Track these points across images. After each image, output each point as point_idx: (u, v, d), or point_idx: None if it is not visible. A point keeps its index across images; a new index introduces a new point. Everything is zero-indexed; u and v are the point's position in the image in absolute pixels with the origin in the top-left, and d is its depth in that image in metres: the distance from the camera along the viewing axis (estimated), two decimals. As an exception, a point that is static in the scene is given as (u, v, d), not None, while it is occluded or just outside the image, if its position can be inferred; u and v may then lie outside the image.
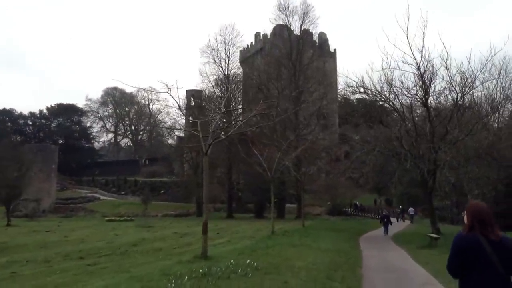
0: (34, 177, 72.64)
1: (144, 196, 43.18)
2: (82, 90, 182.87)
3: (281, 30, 57.71)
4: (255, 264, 9.53)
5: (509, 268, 3.71)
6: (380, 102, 25.75)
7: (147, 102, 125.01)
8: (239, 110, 59.24)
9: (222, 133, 12.15)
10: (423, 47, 22.70)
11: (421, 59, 23.00)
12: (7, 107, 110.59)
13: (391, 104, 25.26)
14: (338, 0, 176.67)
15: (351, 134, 30.48)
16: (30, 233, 23.79)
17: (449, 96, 24.24)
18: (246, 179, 52.64)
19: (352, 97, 26.66)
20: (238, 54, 62.95)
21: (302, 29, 49.70)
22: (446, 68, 22.72)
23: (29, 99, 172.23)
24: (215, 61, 53.48)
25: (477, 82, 23.61)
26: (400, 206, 58.23)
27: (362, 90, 25.33)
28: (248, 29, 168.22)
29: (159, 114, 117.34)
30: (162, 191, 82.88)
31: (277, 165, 21.51)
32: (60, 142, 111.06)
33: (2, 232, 25.55)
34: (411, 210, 53.39)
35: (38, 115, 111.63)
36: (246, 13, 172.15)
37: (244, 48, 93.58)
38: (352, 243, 20.36)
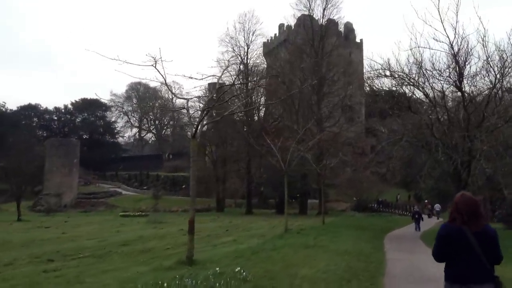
0: (56, 171, 72.74)
1: (155, 190, 41.36)
2: (106, 85, 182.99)
3: (306, 21, 55.34)
4: (244, 273, 7.52)
5: (490, 256, 4.01)
6: (408, 87, 23.13)
7: (170, 97, 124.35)
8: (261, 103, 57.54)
9: (214, 112, 10.11)
10: (457, 22, 20.07)
11: (455, 36, 20.41)
12: (33, 103, 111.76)
13: (421, 88, 22.67)
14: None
15: (377, 126, 27.85)
16: (30, 229, 22.46)
17: (486, 79, 21.43)
18: (267, 173, 50.67)
19: (378, 86, 23.80)
20: (258, 42, 60.78)
21: (324, 14, 47.16)
22: (483, 45, 20.02)
23: (54, 94, 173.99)
24: (234, 50, 51.49)
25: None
26: (426, 201, 55.21)
27: (388, 73, 22.85)
28: (273, 20, 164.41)
29: (183, 108, 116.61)
30: (183, 186, 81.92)
31: (291, 156, 19.35)
32: (84, 137, 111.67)
33: (3, 227, 24.33)
34: (437, 206, 50.44)
35: (63, 110, 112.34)
36: (271, 4, 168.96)
37: (268, 40, 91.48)
38: (375, 243, 18.05)
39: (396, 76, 22.71)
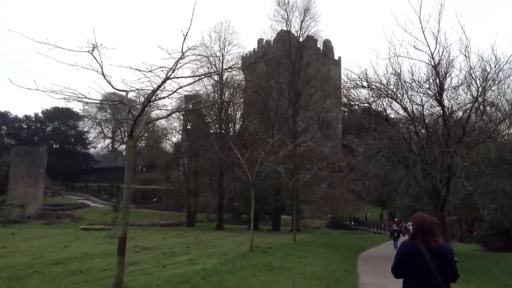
0: (20, 181, 69.43)
1: (115, 203, 39.08)
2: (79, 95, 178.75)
3: (285, 36, 54.49)
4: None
5: (444, 273, 4.18)
6: (386, 99, 21.91)
7: (146, 109, 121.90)
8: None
9: (161, 107, 8.49)
10: (438, 30, 19.00)
11: (436, 45, 19.32)
12: (2, 110, 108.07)
13: (399, 101, 21.49)
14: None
15: (354, 142, 26.56)
16: (-31, 242, 20.15)
17: (468, 92, 20.35)
18: (240, 188, 48.96)
19: (354, 96, 22.43)
20: (234, 53, 59.46)
21: (302, 26, 46.22)
22: (466, 56, 18.96)
23: (28, 102, 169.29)
24: (209, 60, 49.94)
25: (501, 75, 19.66)
26: (396, 219, 54.31)
27: (365, 84, 21.64)
28: (252, 35, 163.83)
29: (157, 120, 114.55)
30: (155, 199, 79.44)
31: (260, 168, 17.76)
32: (54, 146, 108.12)
33: None
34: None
35: (33, 119, 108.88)
36: (251, 20, 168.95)
37: (246, 54, 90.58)
38: (348, 264, 16.51)
39: (374, 87, 21.50)
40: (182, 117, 58.52)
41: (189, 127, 58.50)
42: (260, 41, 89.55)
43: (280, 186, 39.81)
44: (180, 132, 59.25)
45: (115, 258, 13.76)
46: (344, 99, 23.07)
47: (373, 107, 21.78)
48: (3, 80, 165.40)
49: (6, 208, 66.06)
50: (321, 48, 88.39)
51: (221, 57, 49.79)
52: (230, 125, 56.53)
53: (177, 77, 8.35)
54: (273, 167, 25.69)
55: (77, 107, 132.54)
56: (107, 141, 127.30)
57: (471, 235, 34.39)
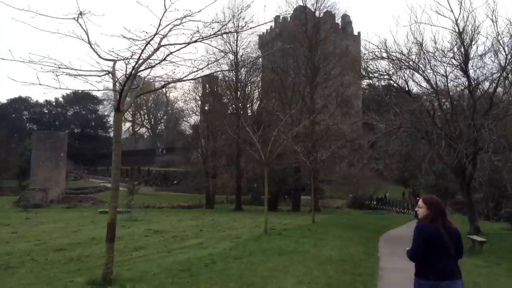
0: (42, 165, 70.07)
1: (130, 184, 38.71)
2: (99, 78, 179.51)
3: (301, 12, 52.78)
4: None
5: (458, 251, 4.40)
6: (408, 71, 20.57)
7: (164, 90, 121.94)
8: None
9: (152, 79, 7.64)
10: (463, -7, 17.51)
11: (460, 10, 17.89)
12: (23, 95, 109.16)
13: (421, 72, 20.16)
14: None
15: (374, 120, 25.29)
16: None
17: (495, 61, 18.90)
18: (260, 169, 48.17)
19: (373, 67, 21.08)
20: (249, 30, 57.91)
21: (318, -1, 44.35)
22: (493, 20, 17.49)
23: (46, 87, 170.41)
24: (223, 37, 48.77)
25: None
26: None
27: (385, 54, 20.35)
28: (268, 12, 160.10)
29: (176, 102, 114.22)
30: (175, 182, 79.59)
31: (273, 146, 16.82)
32: (76, 131, 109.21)
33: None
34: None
35: (54, 104, 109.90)
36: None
37: (263, 32, 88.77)
38: (368, 246, 15.63)
39: (394, 58, 20.19)
40: (199, 98, 57.82)
41: (207, 108, 57.79)
42: (276, 18, 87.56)
43: (298, 166, 38.83)
44: (198, 113, 58.52)
45: (121, 243, 13.20)
46: (363, 72, 21.78)
47: (393, 79, 20.54)
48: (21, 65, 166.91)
49: (29, 193, 66.92)
50: (339, 23, 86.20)
51: (235, 35, 48.58)
52: (248, 105, 55.57)
53: (171, 44, 7.46)
54: (290, 145, 24.76)
55: (95, 91, 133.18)
56: (128, 124, 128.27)
57: (498, 213, 32.97)
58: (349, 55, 55.60)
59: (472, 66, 19.37)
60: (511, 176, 29.08)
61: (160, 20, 6.77)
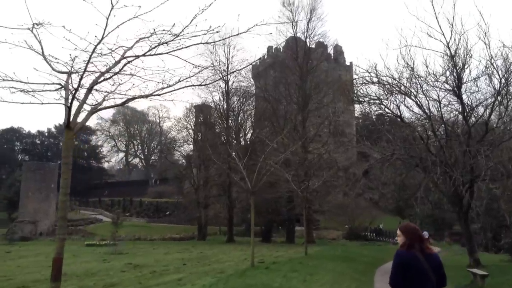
0: (31, 197, 68.62)
1: (114, 216, 37.50)
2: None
3: (294, 42, 53.01)
4: None
5: (440, 278, 4.41)
6: (399, 96, 19.98)
7: (157, 120, 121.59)
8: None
9: (109, 94, 6.85)
10: (453, 16, 17.12)
11: (452, 32, 17.43)
12: (16, 126, 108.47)
13: (413, 97, 19.57)
14: None
15: (366, 146, 24.59)
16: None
17: (489, 85, 18.34)
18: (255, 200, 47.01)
19: (363, 92, 20.46)
20: (240, 58, 57.87)
21: (309, 27, 44.44)
22: (485, 43, 17.02)
23: (39, 117, 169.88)
24: (214, 65, 48.61)
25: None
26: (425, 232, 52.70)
27: (375, 79, 19.78)
28: (259, 41, 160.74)
29: (169, 132, 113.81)
30: (167, 213, 78.05)
31: (260, 174, 15.94)
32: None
33: None
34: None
35: (46, 134, 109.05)
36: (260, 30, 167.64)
37: (256, 62, 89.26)
38: (362, 281, 14.62)
39: (385, 82, 19.63)
40: (191, 127, 57.28)
41: (199, 137, 57.18)
42: (270, 48, 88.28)
43: (291, 195, 37.89)
44: (189, 142, 57.80)
45: (90, 280, 12.17)
46: (353, 96, 21.18)
47: (384, 104, 19.92)
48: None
49: (18, 225, 65.32)
50: (332, 53, 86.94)
51: (226, 63, 48.41)
52: (240, 135, 55.06)
53: (137, 56, 6.73)
54: (279, 173, 23.93)
55: (91, 122, 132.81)
56: (121, 154, 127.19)
57: (498, 244, 31.95)
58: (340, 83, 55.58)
59: (466, 90, 18.84)
60: (509, 205, 28.28)
61: (107, 20, 6.03)
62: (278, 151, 34.34)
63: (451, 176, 17.79)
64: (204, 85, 7.49)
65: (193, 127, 56.68)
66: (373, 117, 27.16)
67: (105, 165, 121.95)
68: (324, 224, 59.69)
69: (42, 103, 6.51)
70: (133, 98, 7.14)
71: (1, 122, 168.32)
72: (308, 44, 45.08)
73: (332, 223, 58.14)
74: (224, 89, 49.45)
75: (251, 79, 64.90)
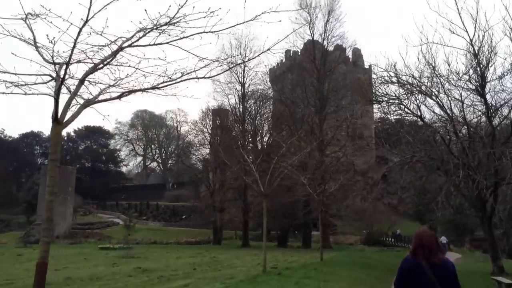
0: (49, 200, 69.06)
1: (127, 219, 37.08)
2: (110, 113, 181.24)
3: (311, 45, 52.40)
4: None
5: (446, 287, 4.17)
6: (419, 96, 19.14)
7: (175, 125, 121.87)
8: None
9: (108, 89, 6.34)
10: (477, 11, 16.26)
11: (475, 29, 16.57)
12: (35, 130, 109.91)
13: (434, 97, 18.72)
14: None
15: (385, 148, 23.78)
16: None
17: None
18: (269, 203, 46.34)
19: (382, 91, 19.65)
20: (256, 60, 57.23)
21: (326, 28, 43.67)
22: (511, 39, 16.09)
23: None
24: (230, 69, 48.25)
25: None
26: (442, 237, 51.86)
27: (394, 79, 19.00)
28: (279, 47, 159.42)
29: (187, 136, 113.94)
30: (184, 216, 77.90)
31: (273, 176, 15.30)
32: (87, 165, 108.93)
33: None
34: (443, 238, 47.57)
35: (65, 138, 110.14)
36: (274, 27, 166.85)
37: (273, 66, 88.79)
38: (379, 288, 13.85)
39: (404, 82, 18.81)
40: (207, 131, 57.00)
41: (217, 140, 56.87)
42: (287, 51, 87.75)
43: (308, 199, 37.11)
44: (205, 146, 57.50)
45: (94, 285, 11.70)
46: (371, 95, 20.40)
47: (404, 104, 19.10)
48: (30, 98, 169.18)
49: (35, 228, 65.91)
50: (350, 57, 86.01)
51: (242, 66, 48.02)
52: (257, 139, 54.55)
53: (130, 43, 6.21)
54: (294, 176, 23.27)
55: (110, 126, 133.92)
56: (139, 158, 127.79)
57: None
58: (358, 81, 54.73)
59: (490, 90, 17.91)
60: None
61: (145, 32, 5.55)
62: (294, 154, 33.73)
63: (474, 179, 16.88)
64: (208, 78, 6.91)
65: (209, 131, 56.37)
66: (392, 119, 26.21)
67: (123, 169, 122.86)
68: (341, 229, 58.67)
69: (25, 93, 6.02)
70: (131, 92, 6.62)
71: (21, 126, 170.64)
72: (326, 46, 44.32)
73: (349, 228, 57.08)
74: (240, 92, 48.98)
75: (268, 82, 64.44)
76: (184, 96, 7.49)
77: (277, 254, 28.88)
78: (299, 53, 65.80)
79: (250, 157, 16.33)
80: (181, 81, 7.03)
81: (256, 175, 14.95)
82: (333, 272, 16.08)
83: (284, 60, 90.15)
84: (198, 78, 6.97)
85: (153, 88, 6.59)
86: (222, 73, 6.82)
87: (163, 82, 6.98)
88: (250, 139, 53.68)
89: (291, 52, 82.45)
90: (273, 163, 15.80)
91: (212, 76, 7.14)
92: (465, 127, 18.69)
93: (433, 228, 57.73)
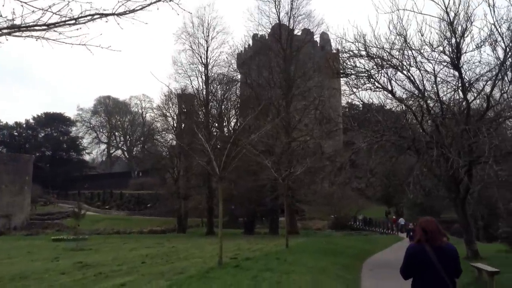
0: (5, 189, 65.63)
1: (76, 209, 34.73)
2: (71, 100, 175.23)
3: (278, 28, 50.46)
4: None
5: (449, 271, 4.42)
6: (389, 70, 17.70)
7: (140, 111, 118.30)
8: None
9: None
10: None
11: (450, -6, 15.14)
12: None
13: (406, 71, 17.33)
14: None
15: (353, 129, 22.43)
16: None
17: (493, 54, 16.13)
18: (236, 189, 44.79)
19: (350, 65, 18.06)
20: (219, 40, 55.13)
21: (293, 5, 41.86)
22: (489, 5, 14.77)
23: (17, 109, 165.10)
24: (192, 48, 46.01)
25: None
26: (394, 217, 52.63)
27: (363, 52, 17.47)
28: (239, 23, 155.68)
29: (153, 123, 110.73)
30: (148, 205, 75.57)
31: (228, 158, 13.45)
32: (47, 153, 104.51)
33: None
34: (401, 220, 47.86)
35: (24, 126, 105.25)
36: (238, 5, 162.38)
37: (241, 51, 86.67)
38: (347, 279, 12.47)
39: (374, 55, 17.31)
40: (173, 117, 54.76)
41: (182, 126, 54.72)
42: (255, 35, 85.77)
43: (275, 184, 35.67)
44: (168, 131, 55.27)
45: (13, 285, 9.80)
46: (339, 67, 18.84)
47: (374, 77, 17.60)
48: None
49: (-20, 219, 62.58)
50: (318, 41, 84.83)
51: (205, 46, 45.88)
52: (224, 124, 52.76)
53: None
54: (259, 160, 21.68)
55: (71, 112, 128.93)
56: (103, 146, 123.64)
57: (495, 233, 30.17)
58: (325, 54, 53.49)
59: (465, 62, 16.62)
60: (501, 191, 26.25)
61: None
62: (261, 138, 32.13)
63: (448, 158, 15.63)
64: (118, 14, 5.06)
65: (173, 116, 54.11)
66: (359, 101, 24.77)
67: (86, 157, 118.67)
68: (309, 214, 57.90)
69: None
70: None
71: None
72: (292, 25, 42.66)
73: (317, 213, 56.35)
74: (203, 73, 46.87)
75: (234, 65, 62.51)
76: (98, 46, 5.58)
77: (241, 242, 27.42)
78: (267, 37, 64.09)
79: (201, 134, 14.43)
80: (84, 22, 5.16)
81: (212, 155, 13.18)
82: (297, 262, 14.59)
83: (251, 45, 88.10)
84: (105, 15, 5.12)
85: (35, 26, 4.70)
86: (146, 6, 4.93)
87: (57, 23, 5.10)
88: (216, 124, 51.85)
89: (258, 35, 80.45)
90: (230, 142, 14.06)
91: (131, 11, 5.25)
92: (438, 103, 17.39)
93: (400, 212, 57.79)
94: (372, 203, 58.88)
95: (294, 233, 37.21)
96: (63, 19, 5.10)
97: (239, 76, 60.70)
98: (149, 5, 4.94)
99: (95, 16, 5.21)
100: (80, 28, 5.26)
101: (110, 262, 15.28)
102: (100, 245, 25.88)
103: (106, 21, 5.32)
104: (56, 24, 5.14)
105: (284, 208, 45.23)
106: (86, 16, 5.11)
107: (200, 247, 23.41)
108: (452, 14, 15.50)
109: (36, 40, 5.23)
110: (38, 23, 4.85)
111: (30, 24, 4.76)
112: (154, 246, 24.08)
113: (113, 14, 5.05)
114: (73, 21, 5.18)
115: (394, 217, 54.23)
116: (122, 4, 5.23)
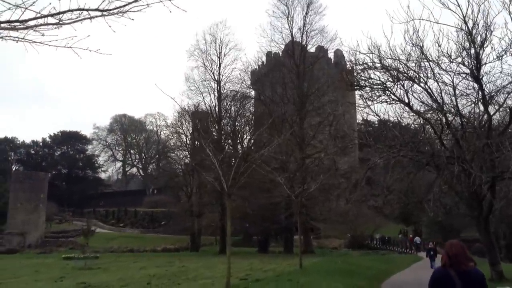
0: (20, 207, 65.87)
1: (86, 227, 34.35)
2: (88, 118, 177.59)
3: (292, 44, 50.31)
4: None
5: None
6: (406, 83, 17.02)
7: (155, 129, 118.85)
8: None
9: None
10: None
11: (468, 2, 14.53)
12: (9, 136, 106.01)
13: (423, 83, 16.64)
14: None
15: (369, 144, 21.66)
16: None
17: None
18: (251, 207, 44.10)
19: (365, 77, 17.45)
20: (232, 56, 55.31)
21: (305, 21, 41.66)
22: (510, 13, 14.09)
23: (35, 128, 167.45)
24: (205, 65, 45.96)
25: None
26: (410, 236, 51.64)
27: (378, 65, 16.87)
28: (251, 39, 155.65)
29: (167, 141, 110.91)
30: (162, 223, 75.15)
31: (236, 174, 12.81)
32: (63, 171, 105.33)
33: None
34: (417, 239, 46.79)
35: (41, 144, 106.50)
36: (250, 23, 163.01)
37: (255, 68, 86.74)
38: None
39: (389, 67, 16.68)
40: (184, 133, 54.53)
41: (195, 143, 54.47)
42: (268, 53, 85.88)
43: (289, 202, 34.90)
44: (181, 148, 55.05)
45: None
46: (353, 79, 18.20)
47: (389, 89, 16.93)
48: (10, 105, 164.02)
49: (6, 237, 62.79)
50: (332, 58, 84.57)
51: (217, 62, 45.78)
52: (238, 141, 52.33)
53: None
54: (272, 177, 21.05)
55: (88, 131, 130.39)
56: (118, 164, 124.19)
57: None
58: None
59: (485, 73, 15.87)
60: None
61: None
62: (274, 154, 31.59)
63: (469, 174, 14.82)
64: (105, 11, 4.58)
65: (185, 133, 53.88)
66: (376, 117, 24.03)
67: (102, 175, 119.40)
68: (325, 232, 56.78)
69: None
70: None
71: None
72: (306, 41, 42.36)
73: (333, 232, 55.20)
74: (216, 90, 46.68)
75: (248, 81, 62.40)
76: (87, 49, 5.09)
77: (255, 261, 26.59)
78: (280, 54, 63.99)
79: (209, 149, 13.81)
80: (57, 14, 4.67)
81: (219, 171, 12.62)
82: (310, 284, 13.83)
83: (265, 62, 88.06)
84: (87, 10, 4.63)
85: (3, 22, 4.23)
86: (133, 1, 4.42)
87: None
88: (230, 141, 51.51)
89: (272, 53, 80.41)
90: (239, 156, 13.50)
91: (120, 8, 4.74)
92: (458, 116, 16.62)
93: (418, 230, 56.30)
94: (389, 222, 57.55)
95: (309, 252, 36.23)
96: (42, 14, 4.65)
97: (252, 93, 60.51)
98: (136, 0, 4.43)
99: (82, 14, 4.73)
100: (61, 27, 4.81)
101: (114, 283, 14.71)
102: (110, 264, 25.35)
103: (90, 22, 4.84)
104: (38, 25, 4.69)
105: (297, 227, 44.71)
106: (66, 12, 4.63)
107: (211, 266, 22.70)
108: (470, 23, 14.85)
109: (17, 42, 4.80)
110: (11, 19, 4.39)
111: (2, 20, 4.29)
112: (164, 265, 23.46)
113: (97, 10, 4.56)
114: (56, 21, 4.72)
115: (411, 235, 53.05)
116: (110, 2, 4.76)
